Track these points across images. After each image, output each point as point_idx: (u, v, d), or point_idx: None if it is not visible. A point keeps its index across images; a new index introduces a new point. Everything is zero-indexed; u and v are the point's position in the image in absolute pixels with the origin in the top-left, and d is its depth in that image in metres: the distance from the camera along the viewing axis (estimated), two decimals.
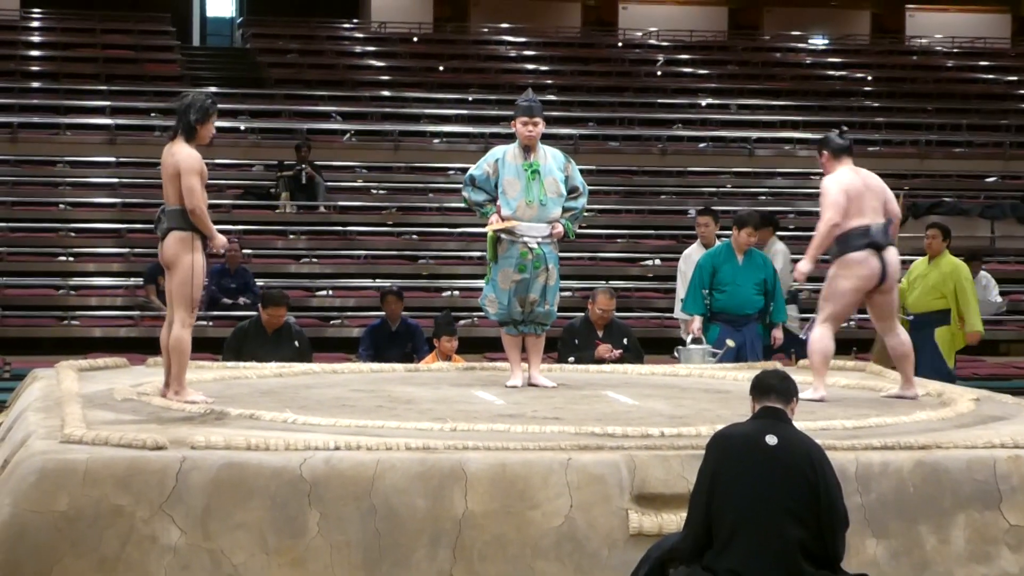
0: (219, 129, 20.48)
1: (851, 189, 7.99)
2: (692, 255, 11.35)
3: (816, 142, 8.27)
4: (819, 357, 8.04)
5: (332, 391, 8.13)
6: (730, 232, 10.77)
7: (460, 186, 20.15)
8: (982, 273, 16.49)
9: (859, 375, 9.27)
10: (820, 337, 8.06)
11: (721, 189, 20.34)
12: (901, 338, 8.15)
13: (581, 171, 8.76)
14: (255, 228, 17.91)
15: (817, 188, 21.06)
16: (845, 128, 8.47)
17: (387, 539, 6.01)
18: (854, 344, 12.63)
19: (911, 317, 11.03)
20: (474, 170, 8.58)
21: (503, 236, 8.41)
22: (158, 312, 15.35)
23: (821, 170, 8.31)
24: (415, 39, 26.20)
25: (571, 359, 10.35)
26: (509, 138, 20.96)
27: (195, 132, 7.47)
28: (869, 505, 6.28)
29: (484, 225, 8.51)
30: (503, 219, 8.42)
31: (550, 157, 8.51)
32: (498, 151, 8.57)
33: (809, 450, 5.45)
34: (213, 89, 22.33)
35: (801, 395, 7.86)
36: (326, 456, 6.05)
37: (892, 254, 8.05)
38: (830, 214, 7.94)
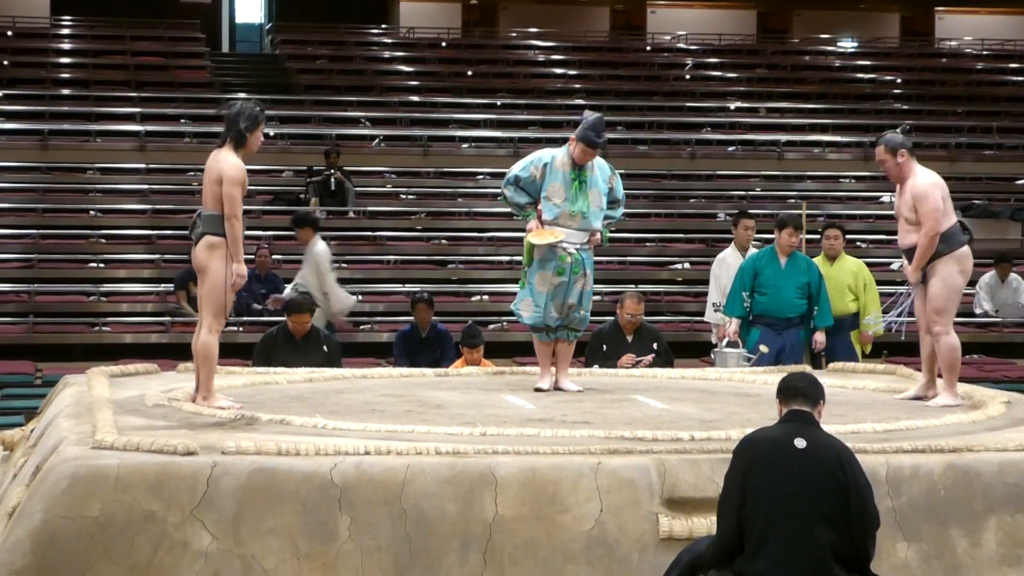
0: None
1: (943, 189, 7.96)
2: (727, 259, 11.36)
3: (886, 143, 8.00)
4: (957, 363, 7.97)
5: (362, 396, 8.14)
6: (773, 235, 10.75)
7: (489, 191, 20.26)
8: (1012, 275, 16.46)
9: (889, 378, 9.24)
10: (954, 343, 7.96)
11: (751, 192, 20.31)
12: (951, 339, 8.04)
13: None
14: (285, 234, 17.92)
15: (848, 191, 21.13)
16: (907, 126, 8.45)
17: (417, 544, 6.01)
18: (885, 348, 12.59)
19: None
20: (519, 171, 8.52)
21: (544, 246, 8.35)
22: (189, 318, 15.42)
23: (885, 172, 8.12)
24: (443, 44, 26.25)
25: (596, 366, 10.28)
26: (538, 143, 21.00)
27: (245, 140, 7.43)
28: (900, 508, 6.26)
29: (520, 226, 8.53)
30: (543, 223, 8.38)
31: (596, 169, 8.47)
32: (546, 155, 8.49)
33: (839, 453, 5.43)
34: (243, 95, 22.42)
35: (933, 402, 7.87)
36: (356, 461, 6.06)
37: None
38: (934, 223, 7.83)
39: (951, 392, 7.96)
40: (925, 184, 7.90)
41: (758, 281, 10.56)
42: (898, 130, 8.27)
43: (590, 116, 8.40)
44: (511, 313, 16.07)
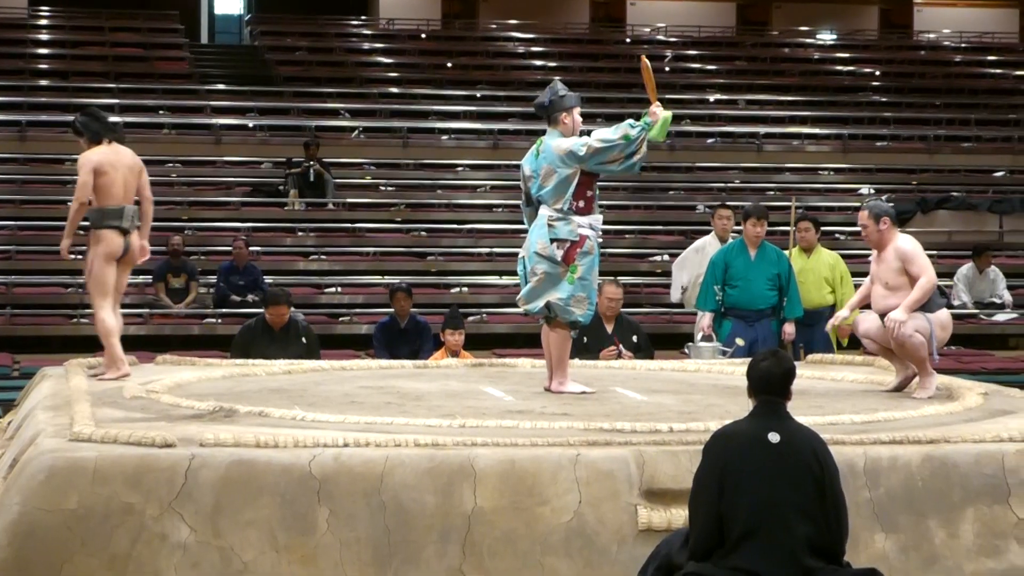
0: (228, 126, 20.72)
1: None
2: (707, 247, 11.37)
3: (870, 209, 8.06)
4: (925, 354, 8.00)
5: (341, 388, 8.13)
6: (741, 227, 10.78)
7: (469, 182, 20.24)
8: (991, 267, 16.52)
9: (868, 370, 9.27)
10: (920, 341, 7.98)
11: (729, 184, 20.34)
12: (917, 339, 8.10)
13: None
14: (264, 225, 17.95)
15: (827, 183, 21.10)
16: (891, 196, 8.51)
17: (397, 536, 6.01)
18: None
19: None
20: (595, 132, 8.01)
21: (591, 236, 7.97)
22: (167, 310, 15.40)
23: (866, 237, 8.16)
24: (423, 36, 26.23)
25: (577, 359, 10.27)
26: (517, 135, 20.93)
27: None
28: (878, 499, 6.28)
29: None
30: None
31: None
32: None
33: (812, 444, 5.44)
34: (222, 87, 22.39)
35: (917, 395, 7.90)
36: (335, 453, 6.05)
37: None
38: (928, 275, 7.92)
39: (928, 377, 8.02)
40: (911, 245, 8.04)
41: (729, 274, 10.58)
42: (883, 198, 8.37)
43: (552, 86, 8.15)
44: (491, 304, 16.21)
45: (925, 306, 7.95)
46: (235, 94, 22.11)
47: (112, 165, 8.28)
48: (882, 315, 8.06)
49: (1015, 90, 24.95)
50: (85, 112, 8.51)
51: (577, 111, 8.10)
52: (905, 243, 8.05)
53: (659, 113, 8.00)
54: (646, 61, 8.34)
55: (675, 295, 11.89)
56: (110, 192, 8.28)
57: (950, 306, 8.30)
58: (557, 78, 8.41)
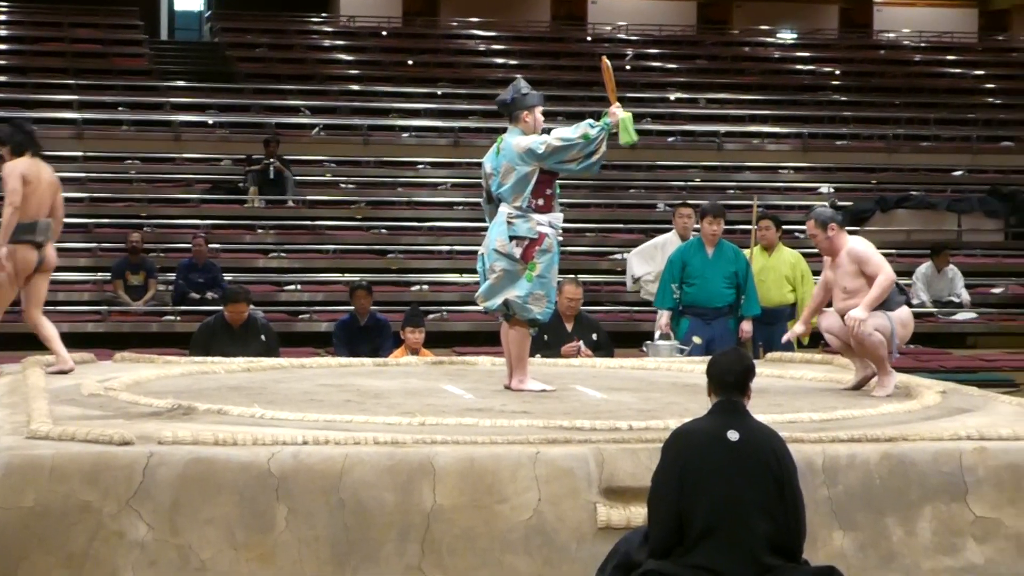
0: (187, 123, 20.62)
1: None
2: (667, 245, 11.39)
3: (816, 217, 8.10)
4: (884, 352, 8.02)
5: (300, 386, 8.11)
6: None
7: (430, 180, 20.22)
8: (949, 266, 16.60)
9: (827, 368, 9.30)
10: (880, 339, 7.99)
11: (690, 183, 20.37)
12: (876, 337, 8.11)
13: None
14: (223, 223, 17.89)
15: (787, 181, 21.16)
16: (835, 201, 8.51)
17: (356, 533, 6.00)
18: (822, 338, 12.64)
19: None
20: (555, 130, 7.98)
21: (550, 234, 7.95)
22: (125, 307, 15.34)
23: (816, 245, 8.20)
24: (384, 33, 26.19)
25: (538, 356, 10.28)
26: (478, 133, 20.90)
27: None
28: (836, 497, 6.30)
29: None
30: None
31: None
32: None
33: (771, 442, 5.45)
34: (181, 83, 22.31)
35: (876, 393, 7.91)
36: (294, 451, 6.04)
37: None
38: (886, 272, 7.91)
39: (887, 376, 8.04)
40: (862, 246, 8.05)
41: (686, 272, 10.60)
42: (827, 204, 8.38)
43: (515, 84, 8.17)
44: (451, 302, 16.20)
45: (885, 304, 7.96)
46: (195, 91, 22.04)
47: (36, 178, 8.30)
48: (842, 314, 8.08)
49: (974, 89, 25.08)
50: (12, 123, 8.50)
51: (539, 110, 8.10)
52: (857, 245, 8.06)
53: (618, 114, 8.00)
54: (606, 62, 8.35)
55: (628, 284, 11.98)
56: (28, 204, 8.27)
57: (910, 304, 8.29)
58: (520, 76, 8.38)
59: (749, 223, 11.92)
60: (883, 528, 6.34)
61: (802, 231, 17.81)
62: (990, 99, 24.56)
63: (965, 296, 16.56)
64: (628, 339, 13.01)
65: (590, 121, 7.98)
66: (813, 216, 8.17)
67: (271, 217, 18.14)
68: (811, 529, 5.83)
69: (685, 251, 10.74)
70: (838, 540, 6.28)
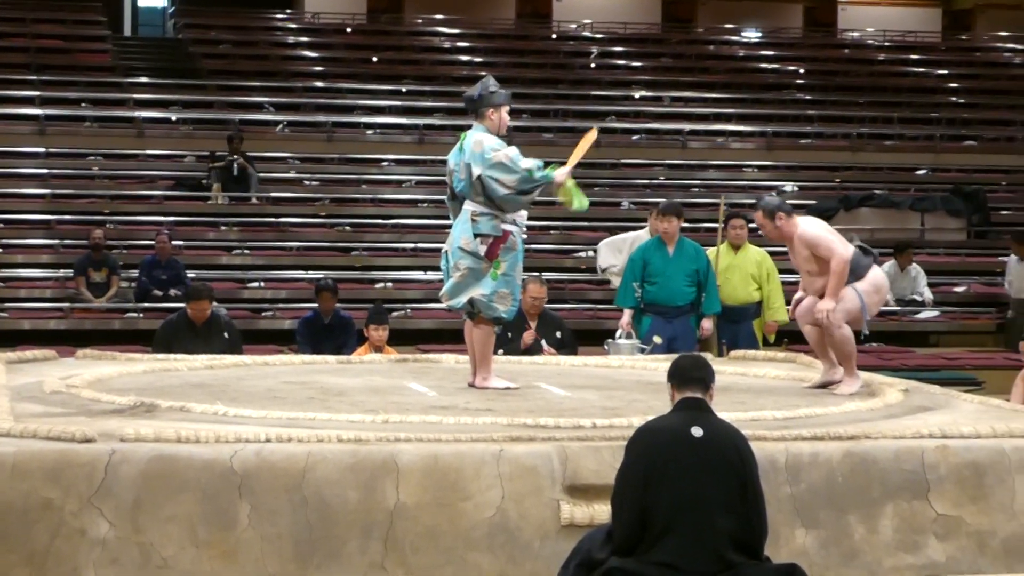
0: (150, 120, 20.54)
1: (826, 226, 8.07)
2: (637, 242, 11.42)
3: (763, 208, 8.08)
4: (853, 350, 8.02)
5: (263, 383, 8.09)
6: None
7: (394, 177, 20.19)
8: (912, 265, 16.66)
9: (790, 366, 9.32)
10: (848, 334, 7.99)
11: (654, 181, 20.39)
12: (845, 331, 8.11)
13: None
14: (186, 219, 17.84)
15: (751, 180, 21.20)
16: (783, 188, 8.48)
17: (319, 531, 5.99)
18: (786, 336, 12.70)
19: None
20: (513, 149, 7.93)
21: (515, 232, 7.98)
22: (88, 304, 15.28)
23: (767, 235, 8.19)
24: (349, 30, 26.14)
25: (500, 351, 10.27)
26: (443, 130, 20.85)
27: None
28: (799, 495, 6.32)
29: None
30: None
31: None
32: (494, 138, 7.97)
33: (735, 440, 5.46)
34: (145, 80, 22.22)
35: (839, 389, 7.92)
36: (257, 448, 6.02)
37: None
38: (838, 255, 7.86)
39: (853, 378, 8.04)
40: (812, 230, 8.00)
41: (647, 271, 10.63)
42: (774, 193, 8.34)
43: (484, 81, 8.15)
44: (415, 300, 16.18)
45: (854, 272, 7.93)
46: (158, 87, 21.96)
47: None
48: (820, 296, 8.05)
49: (937, 89, 25.18)
50: None
51: (505, 109, 8.09)
52: (807, 229, 8.00)
53: (561, 179, 7.94)
54: (594, 134, 8.27)
55: (599, 272, 12.07)
56: None
57: (878, 262, 8.22)
58: (489, 74, 8.36)
59: (714, 221, 11.95)
60: (845, 526, 6.36)
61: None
62: (953, 98, 24.67)
63: (928, 295, 16.62)
64: (592, 337, 13.01)
65: (540, 163, 7.94)
66: (760, 206, 8.14)
67: (234, 214, 18.09)
68: (774, 527, 5.85)
69: (646, 250, 10.77)
70: (800, 538, 6.30)
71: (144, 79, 22.38)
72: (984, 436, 6.64)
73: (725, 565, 5.31)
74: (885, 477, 6.42)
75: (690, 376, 5.56)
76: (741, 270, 11.19)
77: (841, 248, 7.91)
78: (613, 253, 11.83)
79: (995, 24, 29.36)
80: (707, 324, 10.70)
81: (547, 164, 8.08)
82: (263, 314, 15.55)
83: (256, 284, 16.40)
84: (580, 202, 8.01)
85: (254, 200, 18.50)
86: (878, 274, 8.06)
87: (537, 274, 11.64)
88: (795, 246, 8.03)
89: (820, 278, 7.98)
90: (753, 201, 18.94)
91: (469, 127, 8.15)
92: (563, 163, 8.19)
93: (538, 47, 25.91)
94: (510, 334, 10.58)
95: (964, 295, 17.47)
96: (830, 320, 7.87)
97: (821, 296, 7.98)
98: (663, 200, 12.49)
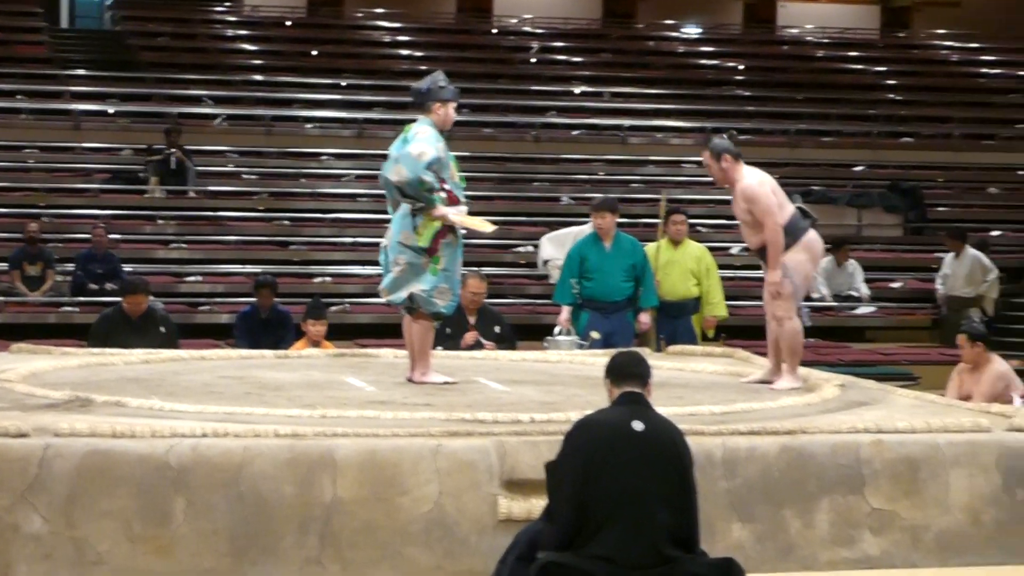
0: (87, 112, 20.39)
1: (771, 185, 8.03)
2: (579, 237, 11.43)
3: (711, 148, 8.08)
4: (799, 347, 8.04)
5: (200, 377, 8.05)
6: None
7: (333, 171, 20.10)
8: (849, 261, 16.77)
9: (727, 361, 9.35)
10: (797, 327, 8.02)
11: (594, 177, 20.42)
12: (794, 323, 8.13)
13: (456, 157, 8.36)
14: (123, 213, 17.71)
15: (690, 175, 21.25)
16: (734, 132, 8.47)
17: (255, 526, 5.97)
18: (724, 331, 12.74)
19: None
20: (434, 152, 7.83)
21: (460, 227, 7.93)
22: (23, 297, 15.16)
23: (712, 176, 8.20)
24: (288, 23, 26.01)
25: (440, 348, 10.26)
26: (382, 125, 20.76)
27: None
28: (735, 490, 6.34)
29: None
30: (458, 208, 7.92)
31: None
32: (433, 133, 7.91)
33: (673, 434, 5.48)
34: (82, 72, 22.06)
35: (777, 385, 7.95)
36: (193, 443, 6.00)
37: None
38: (773, 219, 7.89)
39: (793, 375, 8.07)
40: (752, 184, 7.99)
41: (585, 266, 10.65)
42: (724, 136, 8.35)
43: (434, 76, 8.14)
44: (354, 295, 16.13)
45: (791, 234, 7.93)
46: (95, 79, 21.79)
47: None
48: (759, 253, 8.06)
49: (875, 85, 25.32)
50: None
51: (452, 106, 8.05)
52: (750, 183, 8.00)
53: (438, 213, 7.84)
54: (488, 228, 8.15)
55: (539, 265, 12.04)
56: None
57: (815, 225, 8.20)
58: (439, 70, 8.31)
59: (654, 216, 11.98)
60: (781, 520, 6.39)
61: (706, 225, 18.01)
62: (891, 95, 24.82)
63: (865, 290, 16.73)
64: (531, 332, 13.02)
65: (437, 186, 7.84)
66: (709, 146, 8.12)
67: (172, 208, 17.99)
68: (710, 521, 5.87)
69: (583, 246, 10.79)
70: (737, 532, 6.32)
71: (81, 71, 22.21)
72: (919, 431, 6.69)
73: (662, 559, 5.32)
74: (821, 472, 6.45)
75: (628, 371, 5.57)
76: (681, 265, 11.22)
77: (774, 211, 7.92)
78: (556, 247, 11.85)
79: (933, 22, 29.56)
80: (644, 318, 10.73)
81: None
82: (200, 308, 15.47)
83: (193, 278, 16.33)
84: (424, 239, 7.90)
85: (192, 194, 18.40)
86: (811, 237, 8.05)
87: (477, 269, 11.62)
88: (736, 195, 8.05)
89: (754, 233, 7.99)
90: (692, 197, 19.13)
91: (409, 121, 8.13)
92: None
93: (478, 42, 25.89)
94: (449, 329, 10.57)
95: (900, 291, 17.59)
96: (780, 293, 7.89)
97: (759, 251, 8.00)
98: (598, 196, 12.52)
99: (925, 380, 12.70)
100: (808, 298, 16.08)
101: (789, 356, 8.05)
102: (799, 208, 8.08)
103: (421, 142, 7.86)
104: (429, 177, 7.80)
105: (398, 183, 7.86)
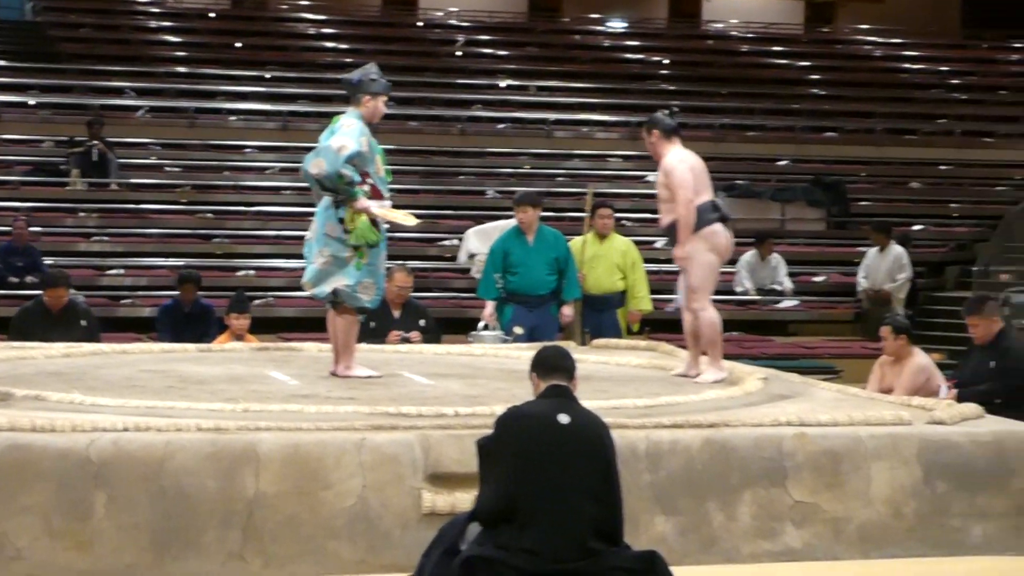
0: (7, 104, 20.17)
1: (694, 167, 8.07)
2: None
3: (648, 122, 8.22)
4: (718, 338, 8.08)
5: (121, 371, 7.99)
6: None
7: (257, 164, 19.97)
8: (773, 255, 16.87)
9: (651, 355, 9.38)
10: (713, 318, 8.07)
11: (520, 170, 20.42)
12: (709, 314, 8.18)
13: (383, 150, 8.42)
14: (44, 205, 17.54)
15: (615, 170, 21.30)
16: (675, 109, 8.46)
17: (177, 521, 5.94)
18: (648, 324, 12.78)
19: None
20: (355, 146, 7.77)
21: (383, 222, 7.90)
22: None
23: (648, 151, 8.27)
24: (212, 15, 25.86)
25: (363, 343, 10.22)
26: (307, 117, 20.66)
27: None
28: (659, 483, 6.36)
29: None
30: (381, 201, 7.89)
31: None
32: (361, 127, 7.88)
33: (598, 428, 5.49)
34: (2, 63, 21.82)
35: (701, 378, 7.97)
36: (114, 437, 5.95)
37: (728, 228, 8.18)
38: (686, 193, 7.95)
39: (716, 366, 8.10)
40: (673, 160, 8.07)
41: (508, 261, 10.65)
42: (665, 112, 8.41)
43: (366, 68, 8.12)
44: (278, 288, 16.06)
45: (697, 223, 7.98)
46: (16, 71, 21.55)
47: None
48: (668, 232, 8.15)
49: (799, 80, 25.46)
50: None
51: (382, 100, 8.03)
52: (672, 159, 8.08)
53: (361, 206, 7.82)
54: (411, 221, 8.12)
55: (462, 258, 12.00)
56: None
57: (725, 220, 8.23)
58: (372, 63, 8.28)
59: (580, 210, 11.99)
60: (704, 513, 6.42)
61: (631, 219, 18.06)
62: (815, 90, 24.97)
63: (788, 284, 16.83)
64: (456, 325, 13.00)
65: (359, 180, 7.81)
66: (649, 118, 8.25)
67: (94, 200, 17.83)
68: (634, 514, 5.89)
69: (506, 240, 10.78)
70: (660, 525, 6.34)
71: (1, 63, 21.97)
72: (841, 424, 6.74)
73: (586, 552, 5.33)
74: (744, 464, 6.48)
75: (555, 365, 5.58)
76: (606, 259, 11.24)
77: (686, 193, 7.98)
78: (482, 240, 11.84)
79: (856, 17, 29.79)
80: (568, 311, 10.74)
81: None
82: (122, 302, 15.34)
83: (115, 271, 16.19)
84: (357, 236, 7.88)
85: (114, 186, 18.24)
86: (714, 230, 8.08)
87: (402, 263, 11.59)
88: (660, 169, 8.10)
89: (668, 211, 8.06)
90: (617, 191, 19.18)
91: (336, 113, 8.11)
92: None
93: (404, 34, 25.83)
94: (373, 323, 10.54)
95: (823, 285, 17.71)
96: (694, 308, 7.94)
97: (668, 230, 8.10)
98: (519, 190, 12.53)
99: (847, 373, 12.79)
100: (731, 292, 16.29)
101: (710, 347, 8.09)
102: (712, 202, 8.11)
103: (342, 136, 7.83)
104: (348, 171, 7.78)
105: (317, 176, 7.84)
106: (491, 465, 5.45)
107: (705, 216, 8.02)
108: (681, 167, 8.00)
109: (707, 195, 8.07)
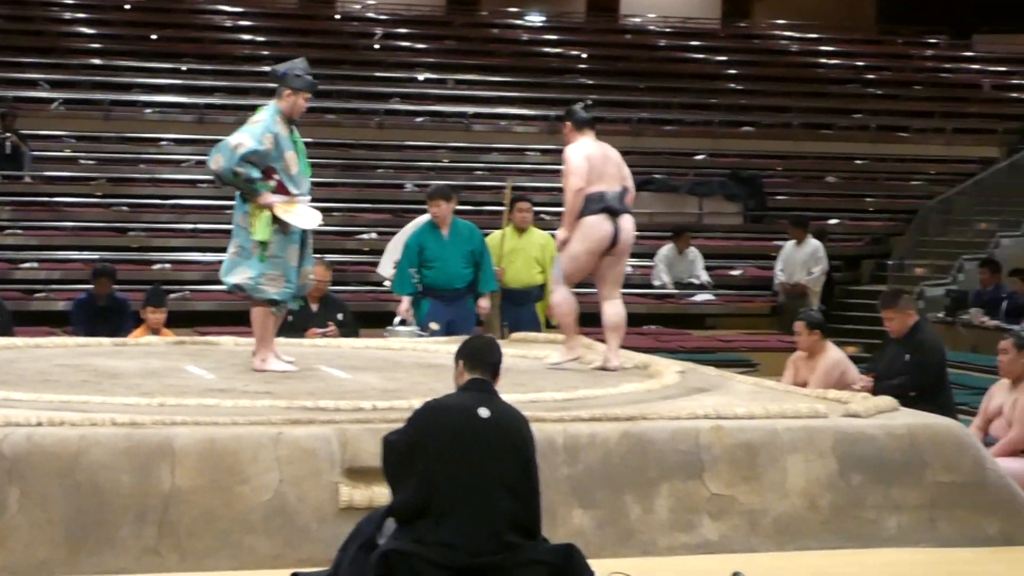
0: None
1: (592, 157, 8.14)
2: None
3: (561, 115, 8.33)
4: (570, 319, 8.17)
5: (35, 365, 7.91)
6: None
7: (173, 157, 19.84)
8: (690, 248, 16.96)
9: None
10: (564, 299, 8.17)
11: (439, 164, 20.41)
12: (618, 308, 8.26)
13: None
14: None
15: (534, 163, 21.36)
16: (590, 102, 8.50)
17: (91, 516, 5.89)
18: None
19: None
20: (254, 144, 7.73)
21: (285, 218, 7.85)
22: None
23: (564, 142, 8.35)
24: (128, 6, 25.60)
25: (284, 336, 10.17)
26: (223, 110, 20.57)
27: None
28: (576, 476, 6.37)
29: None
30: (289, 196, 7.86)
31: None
32: (268, 123, 7.83)
33: (518, 422, 5.50)
34: None
35: (551, 360, 8.03)
36: (28, 432, 5.90)
37: (627, 221, 8.19)
38: (574, 180, 8.06)
39: (566, 348, 8.34)
40: (570, 149, 8.20)
41: (424, 255, 10.62)
42: (580, 105, 8.48)
43: (294, 62, 8.09)
44: (194, 282, 15.96)
45: (582, 211, 8.07)
46: None
47: None
48: None
49: (716, 75, 25.58)
50: None
51: (304, 97, 7.96)
52: (573, 147, 8.21)
53: (265, 202, 7.79)
54: (311, 224, 8.07)
55: (386, 270, 11.89)
56: None
57: (611, 212, 8.27)
58: (303, 58, 8.24)
59: (499, 204, 11.99)
60: (622, 506, 6.44)
61: (550, 212, 18.07)
62: (732, 85, 25.08)
63: (705, 278, 16.93)
64: (374, 319, 12.97)
65: (259, 177, 7.78)
66: (567, 110, 8.34)
67: (7, 193, 17.65)
68: (551, 507, 5.90)
69: (420, 235, 10.75)
70: (578, 518, 6.36)
71: None
72: (757, 417, 6.78)
73: (503, 546, 5.34)
74: (661, 457, 6.51)
75: (483, 358, 5.60)
76: (525, 253, 11.25)
77: (574, 180, 8.08)
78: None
79: (772, 12, 29.96)
80: (484, 303, 10.74)
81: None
82: (36, 295, 15.21)
83: (29, 264, 16.05)
84: (260, 232, 7.85)
85: (27, 179, 18.07)
86: (591, 221, 8.13)
87: (320, 257, 11.54)
88: None
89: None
90: (536, 185, 19.20)
91: (251, 107, 8.09)
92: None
93: (321, 27, 25.72)
94: (291, 317, 10.48)
95: (740, 278, 17.82)
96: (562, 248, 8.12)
97: None
98: (433, 183, 12.52)
99: (764, 367, 12.88)
100: (649, 285, 16.37)
101: (565, 329, 8.25)
102: (601, 193, 8.15)
103: (243, 132, 7.84)
104: (243, 169, 7.74)
105: (215, 172, 7.84)
106: (408, 459, 5.44)
107: (587, 207, 8.10)
108: (576, 156, 8.14)
109: (604, 186, 8.12)
